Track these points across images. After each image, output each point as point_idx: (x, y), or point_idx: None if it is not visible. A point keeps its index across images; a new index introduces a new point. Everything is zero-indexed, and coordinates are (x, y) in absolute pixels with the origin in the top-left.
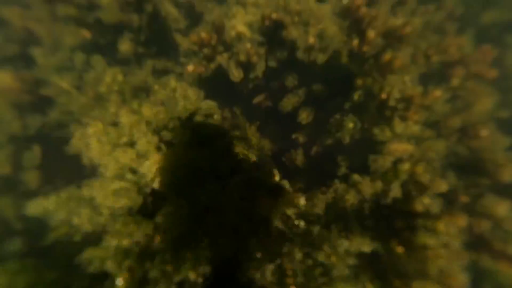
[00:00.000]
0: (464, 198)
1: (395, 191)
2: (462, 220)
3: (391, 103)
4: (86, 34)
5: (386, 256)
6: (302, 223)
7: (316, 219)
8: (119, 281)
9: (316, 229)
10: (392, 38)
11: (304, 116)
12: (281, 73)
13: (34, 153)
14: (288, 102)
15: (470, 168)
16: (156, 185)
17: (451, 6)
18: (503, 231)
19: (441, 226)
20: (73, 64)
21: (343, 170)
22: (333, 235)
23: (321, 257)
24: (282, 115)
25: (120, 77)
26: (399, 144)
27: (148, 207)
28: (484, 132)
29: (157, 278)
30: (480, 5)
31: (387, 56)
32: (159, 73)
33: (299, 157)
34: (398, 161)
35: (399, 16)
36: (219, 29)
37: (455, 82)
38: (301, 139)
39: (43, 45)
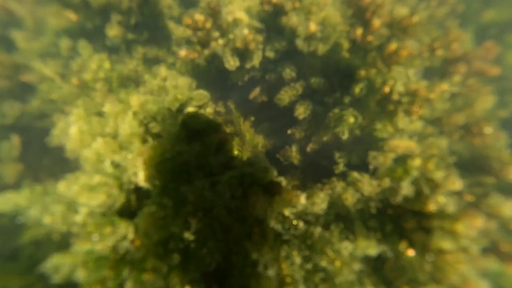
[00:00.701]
0: (468, 198)
1: (406, 189)
2: (478, 221)
3: (395, 97)
4: (72, 16)
5: (394, 260)
6: (301, 224)
7: (315, 220)
8: None
9: (317, 230)
10: (397, 29)
11: (301, 111)
12: (279, 64)
13: (13, 144)
14: (285, 96)
15: (474, 166)
16: (138, 180)
17: (453, 2)
18: (509, 232)
19: (460, 227)
20: (58, 50)
21: (340, 167)
22: (335, 237)
23: (323, 261)
24: (278, 110)
25: (106, 65)
26: (401, 140)
27: (131, 206)
28: (488, 130)
29: None
30: (481, 4)
31: (392, 46)
32: (150, 62)
33: (294, 154)
34: (407, 157)
35: (404, 7)
36: (214, 13)
37: (457, 79)
38: (297, 134)
39: (25, 28)
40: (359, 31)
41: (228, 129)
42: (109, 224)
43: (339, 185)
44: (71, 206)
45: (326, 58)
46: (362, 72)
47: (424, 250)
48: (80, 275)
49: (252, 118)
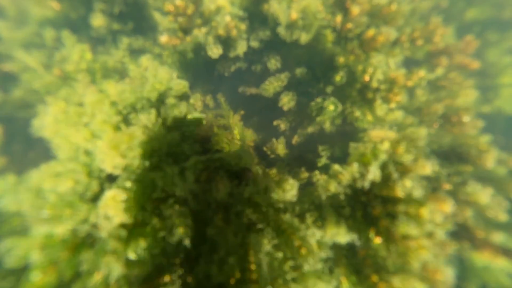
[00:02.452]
0: (447, 186)
1: (374, 173)
2: (447, 206)
3: (374, 84)
4: (55, 5)
5: (363, 248)
6: (271, 211)
7: (287, 207)
8: (36, 275)
9: (286, 217)
10: (378, 17)
11: (285, 101)
12: (264, 55)
13: None
14: (270, 86)
15: (453, 155)
16: (105, 166)
17: None
18: (485, 219)
19: (424, 212)
20: (42, 40)
21: (323, 160)
22: (303, 225)
23: (289, 250)
24: (267, 102)
25: (88, 55)
26: (380, 130)
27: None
28: (466, 118)
29: (91, 271)
30: (464, 2)
31: (370, 32)
32: (137, 53)
33: (280, 147)
34: (377, 142)
35: None
36: (196, 0)
37: (439, 71)
38: (283, 126)
39: (7, 17)
40: (338, 18)
41: (217, 122)
42: (68, 206)
43: (321, 178)
44: (40, 194)
45: (310, 48)
46: (341, 59)
47: (389, 238)
48: (34, 258)
49: (242, 112)
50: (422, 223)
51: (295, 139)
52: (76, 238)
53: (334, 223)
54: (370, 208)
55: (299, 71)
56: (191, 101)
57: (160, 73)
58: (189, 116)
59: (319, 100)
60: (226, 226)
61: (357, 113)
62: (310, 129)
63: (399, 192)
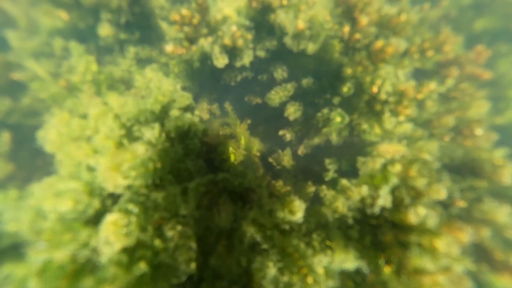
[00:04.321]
0: (461, 203)
1: (384, 198)
2: (464, 235)
3: (382, 96)
4: (63, 15)
5: (372, 276)
6: (276, 234)
7: (293, 229)
8: None
9: (292, 240)
10: (386, 28)
11: (291, 111)
12: (271, 64)
13: (3, 139)
14: (276, 96)
15: (466, 170)
16: (107, 186)
17: (446, 6)
18: (503, 239)
19: (440, 244)
20: (51, 49)
21: (330, 174)
22: (309, 249)
23: (294, 277)
24: (274, 112)
25: (94, 67)
26: (390, 145)
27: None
28: (479, 131)
29: None
30: (473, 13)
31: (379, 43)
32: (144, 62)
33: (286, 158)
34: (388, 162)
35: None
36: (202, 9)
37: (450, 82)
38: (289, 136)
39: (18, 27)
40: (346, 29)
41: (224, 131)
42: (68, 230)
43: (329, 194)
44: (40, 214)
45: (317, 58)
46: (349, 70)
47: (400, 268)
48: (32, 285)
49: (249, 121)
50: (438, 256)
51: (301, 150)
52: (75, 264)
53: (342, 248)
54: (380, 233)
55: (305, 81)
56: (196, 111)
57: (163, 85)
58: (193, 128)
59: (325, 111)
60: (228, 254)
61: (365, 126)
62: (316, 140)
63: (412, 219)
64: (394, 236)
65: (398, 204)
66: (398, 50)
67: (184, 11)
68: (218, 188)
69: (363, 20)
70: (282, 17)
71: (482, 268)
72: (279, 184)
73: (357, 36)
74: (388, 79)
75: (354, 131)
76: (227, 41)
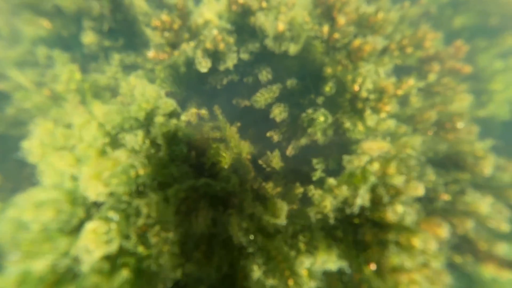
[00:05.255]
0: (445, 197)
1: (362, 197)
2: (442, 230)
3: (363, 94)
4: (46, 24)
5: (356, 276)
6: (260, 237)
7: (278, 231)
8: None
9: (275, 243)
10: (365, 26)
11: (277, 112)
12: (255, 67)
13: None
14: (261, 98)
15: (450, 163)
16: (89, 195)
17: (426, 3)
18: (487, 230)
19: (416, 241)
20: (35, 58)
21: (318, 174)
22: (293, 251)
23: (275, 280)
24: (262, 114)
25: (77, 75)
26: (374, 142)
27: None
28: (460, 124)
29: None
30: (452, 9)
31: (357, 42)
32: (129, 69)
33: (275, 160)
34: (367, 161)
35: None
36: (183, 14)
37: (432, 77)
38: (276, 137)
39: (1, 37)
40: (325, 29)
41: (213, 135)
42: (47, 240)
43: (317, 193)
44: (21, 226)
45: (301, 58)
46: (329, 70)
47: (380, 267)
48: None
49: (238, 124)
50: (414, 254)
51: (290, 151)
52: (55, 274)
53: (325, 249)
54: (361, 232)
55: (290, 82)
56: (183, 117)
57: (147, 92)
58: (180, 134)
59: (310, 111)
60: (207, 261)
61: (348, 124)
62: (303, 141)
63: (390, 218)
64: (373, 235)
65: (377, 203)
66: (376, 48)
67: (164, 17)
68: (199, 194)
69: (341, 19)
70: (262, 20)
71: (467, 259)
72: (269, 186)
73: (336, 35)
74: (369, 77)
75: (339, 129)
76: (209, 45)
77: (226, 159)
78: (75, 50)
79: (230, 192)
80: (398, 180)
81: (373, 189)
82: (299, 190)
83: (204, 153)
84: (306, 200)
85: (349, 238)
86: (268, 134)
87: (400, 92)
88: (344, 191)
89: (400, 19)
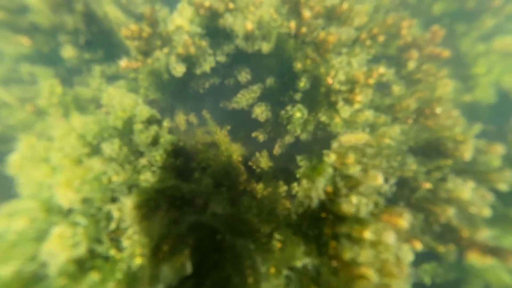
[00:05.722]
0: (427, 185)
1: (318, 190)
2: (403, 221)
3: (336, 86)
4: (25, 41)
5: (324, 272)
6: (228, 236)
7: (250, 231)
8: None
9: (241, 241)
10: (334, 18)
11: (258, 112)
12: (234, 68)
13: None
14: (243, 98)
15: (431, 150)
16: (62, 203)
17: None
18: (469, 217)
19: (366, 234)
20: (19, 75)
21: (302, 171)
22: (260, 249)
23: (236, 279)
24: (252, 116)
25: (58, 89)
26: (352, 134)
27: None
28: (439, 109)
29: None
30: None
31: (321, 34)
32: (113, 79)
33: (263, 160)
34: (325, 153)
35: None
36: (152, 23)
37: (412, 65)
38: (261, 137)
39: None
40: (292, 24)
41: (204, 139)
42: (12, 246)
43: (300, 190)
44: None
45: (277, 56)
46: (299, 65)
47: (340, 262)
48: None
49: (228, 127)
50: (365, 247)
51: (276, 150)
52: (21, 279)
53: (290, 245)
54: (323, 226)
55: (269, 81)
56: (165, 123)
57: (125, 101)
58: (161, 140)
59: (288, 108)
60: (169, 260)
61: (323, 118)
62: (287, 138)
63: (345, 209)
64: (331, 229)
65: (336, 195)
66: (341, 39)
67: (132, 26)
68: (164, 196)
69: (306, 13)
70: (230, 21)
71: (449, 248)
72: (259, 187)
73: (304, 30)
74: (341, 69)
75: (320, 124)
76: (180, 50)
77: (216, 163)
78: (58, 65)
79: (197, 194)
80: (354, 170)
81: (332, 181)
82: (283, 188)
83: (193, 158)
84: (291, 199)
85: (312, 233)
86: (253, 135)
87: (371, 81)
88: (304, 185)
89: (375, 9)
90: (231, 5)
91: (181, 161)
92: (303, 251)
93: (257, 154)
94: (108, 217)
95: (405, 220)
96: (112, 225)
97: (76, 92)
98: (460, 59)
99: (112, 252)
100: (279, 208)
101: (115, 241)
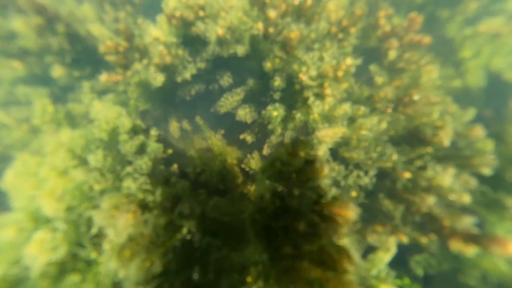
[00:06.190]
0: (406, 175)
1: (266, 185)
2: (351, 212)
3: (308, 82)
4: (17, 65)
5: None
6: (198, 236)
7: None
8: None
9: (209, 241)
10: (301, 16)
11: (242, 114)
12: (217, 73)
13: None
14: (226, 102)
15: (412, 138)
16: (47, 212)
17: None
18: (451, 204)
19: (302, 226)
20: (17, 98)
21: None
22: (222, 247)
23: (201, 277)
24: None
25: (49, 108)
26: (329, 129)
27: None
28: (416, 96)
29: None
30: None
31: (285, 32)
32: (105, 93)
33: (253, 162)
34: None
35: None
36: (128, 37)
37: (393, 54)
38: (249, 138)
39: None
40: (260, 25)
41: (200, 145)
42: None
43: None
44: None
45: (256, 58)
46: (268, 65)
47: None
48: None
49: (222, 131)
50: (307, 239)
51: (266, 150)
52: (5, 282)
53: (253, 242)
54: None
55: (251, 82)
56: (152, 132)
57: (108, 113)
58: (148, 149)
59: (269, 108)
60: (129, 258)
61: (298, 115)
62: (273, 138)
63: (291, 203)
64: (283, 223)
65: (283, 190)
66: (303, 34)
67: (109, 42)
68: (135, 200)
69: (272, 13)
70: (202, 28)
71: (431, 238)
72: (253, 188)
73: (271, 30)
74: (313, 64)
75: (299, 122)
76: (157, 60)
77: (210, 167)
78: (52, 84)
79: (169, 197)
80: (299, 163)
81: (279, 176)
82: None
83: (188, 164)
84: None
85: (262, 228)
86: (241, 137)
87: (340, 73)
88: (257, 182)
89: (351, 2)
90: (201, 13)
91: (175, 167)
92: (260, 247)
93: (249, 155)
94: (89, 223)
95: (352, 211)
96: (94, 230)
97: (68, 108)
98: (449, 46)
99: (93, 255)
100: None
101: (98, 245)
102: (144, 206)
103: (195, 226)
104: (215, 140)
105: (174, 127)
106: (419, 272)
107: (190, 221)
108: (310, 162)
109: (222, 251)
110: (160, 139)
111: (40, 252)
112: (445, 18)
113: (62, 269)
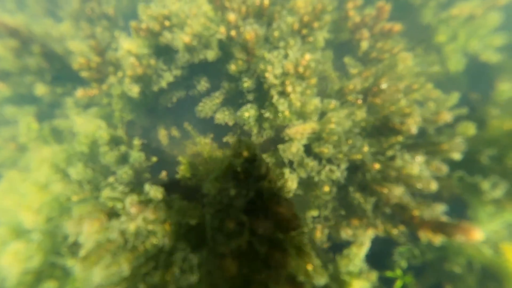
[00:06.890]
0: (376, 166)
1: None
2: (288, 211)
3: (272, 81)
4: (1, 86)
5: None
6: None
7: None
8: None
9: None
10: (262, 16)
11: (220, 118)
12: (195, 79)
13: None
14: (205, 106)
15: (383, 128)
16: (27, 225)
17: None
18: (422, 194)
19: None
20: (4, 118)
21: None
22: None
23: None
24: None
25: (34, 125)
26: (299, 126)
27: None
28: (384, 85)
29: None
30: None
31: (244, 33)
32: (90, 107)
33: None
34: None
35: None
36: (100, 52)
37: (365, 45)
38: (232, 141)
39: None
40: (222, 29)
41: (191, 150)
42: None
43: None
44: None
45: (228, 61)
46: (233, 67)
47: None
48: None
49: (212, 135)
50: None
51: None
52: None
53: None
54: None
55: (226, 85)
56: (135, 141)
57: (87, 127)
58: (130, 159)
59: (242, 109)
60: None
61: (267, 114)
62: (254, 139)
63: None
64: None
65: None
66: (259, 34)
67: (80, 59)
68: (104, 208)
69: (231, 16)
70: (169, 37)
71: (400, 229)
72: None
73: (233, 33)
74: (279, 63)
75: (271, 121)
76: (129, 72)
77: (200, 172)
78: (39, 102)
79: (138, 203)
80: (242, 163)
81: (225, 175)
82: None
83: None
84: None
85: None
86: (224, 140)
87: (300, 69)
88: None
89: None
90: (166, 23)
91: (164, 175)
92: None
93: None
94: (66, 232)
95: (290, 210)
96: (71, 239)
97: (54, 125)
98: (426, 32)
99: (71, 263)
100: None
101: (75, 254)
102: (112, 214)
103: (162, 231)
104: (203, 144)
105: (162, 134)
106: (403, 264)
107: (158, 225)
108: (252, 161)
109: (185, 252)
110: (145, 148)
111: (14, 262)
112: (418, 5)
113: (38, 277)
